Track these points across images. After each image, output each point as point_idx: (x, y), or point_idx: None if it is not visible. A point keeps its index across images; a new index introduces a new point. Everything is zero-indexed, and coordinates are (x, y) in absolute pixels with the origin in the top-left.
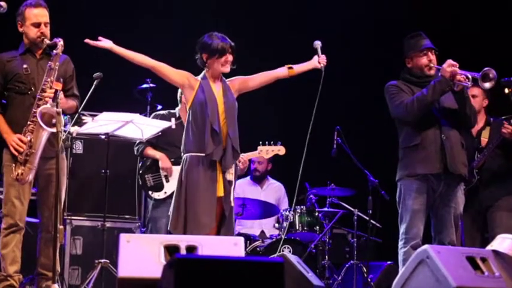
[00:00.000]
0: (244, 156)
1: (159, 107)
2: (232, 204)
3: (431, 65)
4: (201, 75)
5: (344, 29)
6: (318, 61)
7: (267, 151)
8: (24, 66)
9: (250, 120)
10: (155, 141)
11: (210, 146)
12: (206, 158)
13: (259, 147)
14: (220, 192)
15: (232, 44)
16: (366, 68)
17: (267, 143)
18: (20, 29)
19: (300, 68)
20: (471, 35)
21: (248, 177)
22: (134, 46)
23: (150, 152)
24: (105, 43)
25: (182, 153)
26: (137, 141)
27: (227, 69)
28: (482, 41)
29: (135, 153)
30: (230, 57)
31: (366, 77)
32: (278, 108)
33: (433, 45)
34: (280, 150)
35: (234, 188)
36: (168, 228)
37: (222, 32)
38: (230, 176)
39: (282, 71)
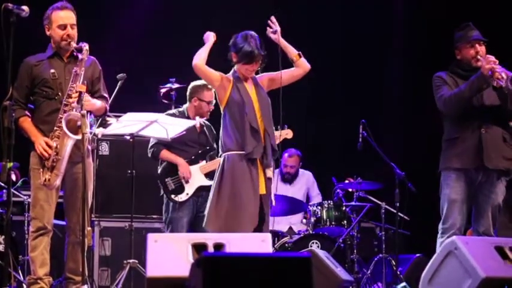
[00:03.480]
0: None
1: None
2: (273, 202)
3: (479, 57)
4: (232, 73)
5: (368, 23)
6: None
7: (277, 137)
8: (52, 71)
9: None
10: (171, 143)
11: (250, 144)
12: (247, 156)
13: None
14: (263, 189)
15: (263, 53)
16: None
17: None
18: (47, 33)
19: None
20: None
21: (277, 171)
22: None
23: (167, 154)
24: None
25: (221, 153)
26: (150, 144)
27: (251, 74)
28: None
29: (149, 155)
30: (256, 66)
31: (390, 70)
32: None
33: (482, 37)
34: (288, 133)
35: (279, 181)
36: (204, 226)
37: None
38: (270, 173)
39: (293, 68)
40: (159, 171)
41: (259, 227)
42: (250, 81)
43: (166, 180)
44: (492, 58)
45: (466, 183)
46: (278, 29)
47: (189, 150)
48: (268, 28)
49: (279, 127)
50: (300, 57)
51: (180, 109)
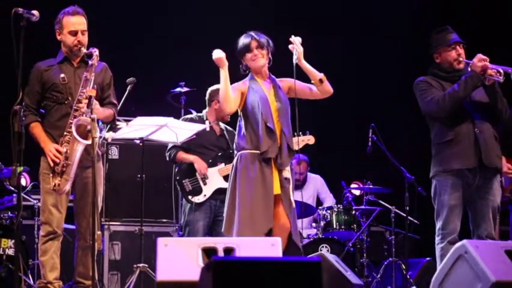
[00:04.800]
0: None
1: (193, 112)
2: (293, 203)
3: (460, 59)
4: (248, 77)
5: (379, 27)
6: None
7: (297, 142)
8: (62, 75)
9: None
10: (187, 145)
11: (265, 143)
12: (261, 156)
13: None
14: (277, 189)
15: (258, 38)
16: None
17: (295, 134)
18: (58, 37)
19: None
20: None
21: None
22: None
23: (183, 155)
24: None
25: (235, 152)
26: (168, 147)
27: (258, 63)
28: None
29: (167, 159)
30: (257, 52)
31: (398, 74)
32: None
33: (461, 39)
34: (310, 139)
35: (293, 187)
36: (222, 231)
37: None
38: (287, 173)
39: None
40: (176, 173)
41: (279, 228)
42: (268, 82)
43: (184, 181)
44: (483, 56)
45: (462, 187)
46: (300, 50)
47: (208, 153)
48: (290, 46)
49: (300, 133)
50: (322, 82)
51: (200, 114)
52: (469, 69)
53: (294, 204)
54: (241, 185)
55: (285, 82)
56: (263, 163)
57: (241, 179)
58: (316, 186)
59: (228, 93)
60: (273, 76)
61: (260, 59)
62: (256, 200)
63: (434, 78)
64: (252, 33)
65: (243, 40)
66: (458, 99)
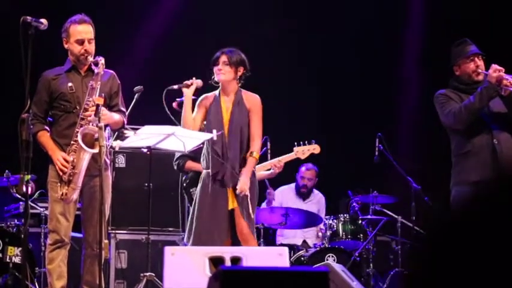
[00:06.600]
0: (281, 160)
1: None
2: (251, 214)
3: (479, 70)
4: (218, 89)
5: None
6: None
7: (302, 151)
8: (69, 84)
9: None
10: (194, 154)
11: (213, 166)
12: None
13: (295, 149)
14: (231, 204)
15: (229, 54)
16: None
17: (301, 143)
18: (65, 46)
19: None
20: None
21: (293, 185)
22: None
23: (192, 164)
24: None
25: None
26: (176, 156)
27: (219, 77)
28: None
29: (175, 168)
30: (222, 67)
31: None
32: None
33: (480, 51)
34: (316, 148)
35: (252, 198)
36: (184, 240)
37: None
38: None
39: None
40: (184, 182)
41: (235, 239)
42: (230, 98)
43: (191, 190)
44: (498, 67)
45: None
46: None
47: None
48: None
49: (306, 142)
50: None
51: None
52: (486, 79)
53: (252, 216)
54: (196, 202)
55: (250, 102)
56: (216, 181)
57: (199, 197)
58: (319, 204)
59: (185, 118)
60: (243, 91)
61: (221, 75)
62: (205, 219)
63: (454, 91)
64: (228, 49)
65: (216, 53)
66: (474, 111)
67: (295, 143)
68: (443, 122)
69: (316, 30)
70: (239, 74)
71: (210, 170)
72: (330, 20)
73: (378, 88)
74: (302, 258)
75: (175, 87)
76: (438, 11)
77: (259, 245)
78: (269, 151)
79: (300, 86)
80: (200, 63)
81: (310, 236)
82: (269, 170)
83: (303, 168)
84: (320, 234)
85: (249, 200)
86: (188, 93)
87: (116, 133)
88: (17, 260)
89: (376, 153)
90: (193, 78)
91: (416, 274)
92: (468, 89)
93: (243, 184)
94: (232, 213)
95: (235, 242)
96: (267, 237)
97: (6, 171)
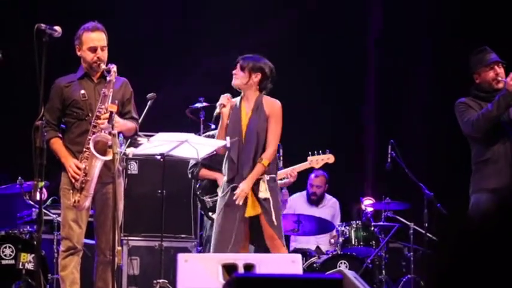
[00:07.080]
0: (295, 169)
1: (213, 126)
2: (275, 221)
3: (499, 78)
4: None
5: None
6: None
7: (316, 161)
8: (82, 91)
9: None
10: (208, 162)
11: (229, 173)
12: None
13: (309, 158)
14: (251, 212)
15: (242, 59)
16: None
17: (315, 152)
18: (78, 53)
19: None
20: None
21: (304, 193)
22: None
23: (206, 172)
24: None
25: None
26: (190, 165)
27: (233, 81)
28: None
29: (189, 176)
30: (235, 71)
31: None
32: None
33: (500, 59)
34: (330, 158)
35: (274, 204)
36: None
37: None
38: (263, 194)
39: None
40: (197, 189)
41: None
42: (250, 104)
43: (204, 198)
44: None
45: None
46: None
47: None
48: None
49: (320, 151)
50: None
51: None
52: (505, 87)
53: (275, 223)
54: (218, 210)
55: (270, 107)
56: (233, 188)
57: (218, 204)
58: (333, 210)
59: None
60: (264, 97)
61: (234, 79)
62: (221, 227)
63: (474, 99)
64: (247, 55)
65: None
66: (492, 119)
67: (310, 153)
68: (463, 131)
69: (335, 32)
70: (255, 79)
71: (226, 177)
72: (351, 22)
73: (389, 94)
74: (314, 265)
75: (216, 112)
76: (456, 20)
77: None
78: (281, 158)
79: (313, 91)
80: (200, 64)
81: (323, 242)
82: (283, 179)
83: (312, 175)
84: (333, 241)
85: (271, 206)
86: (226, 112)
87: (129, 140)
88: (29, 266)
89: (389, 160)
90: (221, 96)
91: (432, 281)
92: (488, 97)
93: (241, 190)
94: (254, 220)
95: (261, 248)
96: None
97: (19, 177)
